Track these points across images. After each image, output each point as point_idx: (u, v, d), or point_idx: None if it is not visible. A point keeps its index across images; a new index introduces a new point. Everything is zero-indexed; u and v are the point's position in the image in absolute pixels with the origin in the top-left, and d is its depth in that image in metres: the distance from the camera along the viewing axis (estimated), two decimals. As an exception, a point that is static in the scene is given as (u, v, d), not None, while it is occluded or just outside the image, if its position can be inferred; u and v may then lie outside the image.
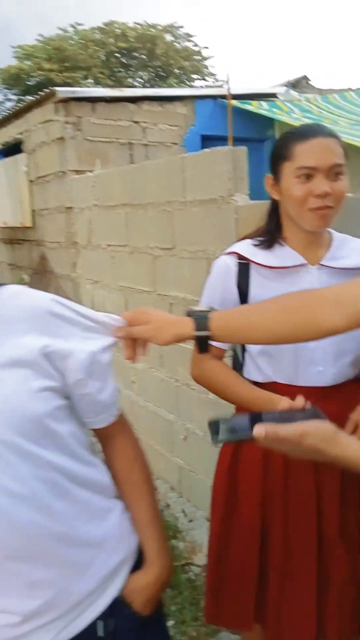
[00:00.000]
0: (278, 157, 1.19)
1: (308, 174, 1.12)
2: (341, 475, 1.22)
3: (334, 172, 1.13)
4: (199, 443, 2.34)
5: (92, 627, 0.84)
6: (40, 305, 0.82)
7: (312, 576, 1.22)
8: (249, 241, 1.27)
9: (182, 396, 2.44)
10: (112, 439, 0.94)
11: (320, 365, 1.20)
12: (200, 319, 0.93)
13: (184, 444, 2.49)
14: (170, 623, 1.79)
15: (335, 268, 1.21)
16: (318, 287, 1.18)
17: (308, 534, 1.22)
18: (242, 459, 1.30)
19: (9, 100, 19.72)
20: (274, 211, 1.27)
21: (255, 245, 1.25)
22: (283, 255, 1.22)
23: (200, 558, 2.10)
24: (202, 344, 0.95)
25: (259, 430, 0.74)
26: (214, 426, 0.82)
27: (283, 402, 0.86)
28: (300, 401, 0.86)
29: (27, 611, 0.79)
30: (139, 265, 2.64)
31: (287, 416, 0.83)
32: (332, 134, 1.16)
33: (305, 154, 1.13)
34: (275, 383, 1.23)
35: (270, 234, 1.26)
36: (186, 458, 2.50)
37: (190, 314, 0.95)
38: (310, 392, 1.15)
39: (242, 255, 1.24)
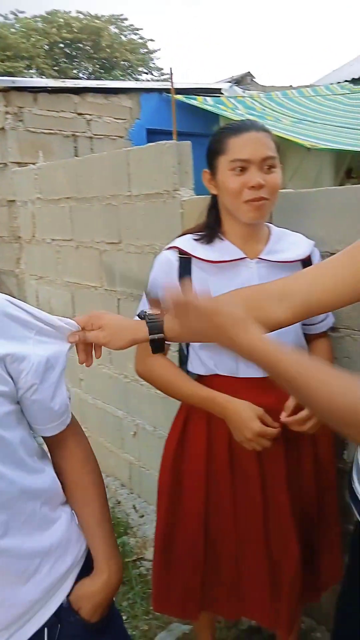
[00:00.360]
0: (213, 152, 1.22)
1: (242, 167, 1.16)
2: (286, 464, 1.25)
3: (267, 165, 1.17)
4: (149, 438, 2.34)
5: (38, 634, 0.82)
6: None
7: (263, 560, 1.26)
8: (189, 236, 1.29)
9: (131, 392, 2.43)
10: (63, 443, 0.92)
11: None
12: (154, 323, 0.95)
13: (134, 440, 2.48)
14: (121, 619, 1.78)
15: (273, 262, 1.24)
16: (257, 280, 1.22)
17: (255, 519, 1.26)
18: (186, 450, 1.32)
19: None
20: (214, 206, 1.30)
21: (195, 240, 1.27)
22: (223, 249, 1.25)
23: (152, 553, 2.10)
24: (157, 346, 0.97)
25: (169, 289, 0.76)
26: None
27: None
28: None
29: None
30: (85, 260, 2.59)
31: None
32: (264, 129, 1.21)
33: (238, 147, 1.16)
34: (217, 375, 1.26)
35: (210, 228, 1.28)
36: (136, 454, 2.49)
37: (143, 317, 0.97)
38: (251, 383, 1.19)
39: (183, 250, 1.25)
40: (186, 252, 1.25)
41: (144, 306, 1.28)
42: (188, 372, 1.31)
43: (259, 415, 1.18)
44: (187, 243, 1.27)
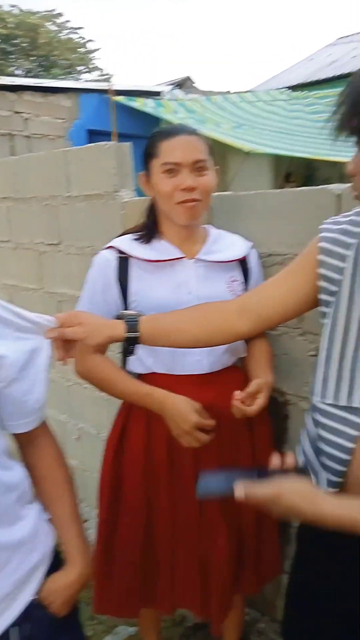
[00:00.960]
0: (147, 155, 1.25)
1: (173, 169, 1.19)
2: (222, 462, 1.29)
3: (198, 167, 1.21)
4: (93, 442, 2.32)
5: (5, 634, 0.82)
6: None
7: (194, 552, 1.30)
8: (128, 236, 1.31)
9: (74, 396, 2.39)
10: (34, 441, 0.94)
11: (197, 355, 1.26)
12: (131, 322, 1.00)
13: (77, 444, 2.44)
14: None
15: (210, 262, 1.28)
16: (194, 279, 1.26)
17: (190, 515, 1.29)
18: (126, 449, 1.33)
19: None
20: (152, 207, 1.31)
21: (134, 239, 1.29)
22: (160, 249, 1.27)
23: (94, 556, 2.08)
24: (130, 347, 1.02)
25: (239, 492, 0.77)
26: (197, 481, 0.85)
27: (274, 460, 0.88)
28: (289, 459, 0.88)
29: None
30: (24, 262, 2.53)
31: (263, 472, 0.85)
32: (195, 132, 1.25)
33: (169, 150, 1.20)
34: (155, 373, 1.29)
35: (149, 229, 1.30)
36: (80, 458, 2.45)
37: (121, 316, 1.02)
38: (189, 380, 1.22)
39: (121, 250, 1.26)
40: (124, 251, 1.26)
41: (82, 307, 1.28)
42: (127, 372, 1.32)
43: (196, 410, 1.20)
44: (126, 243, 1.28)
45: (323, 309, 0.94)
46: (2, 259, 2.71)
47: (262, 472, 0.86)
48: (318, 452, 0.95)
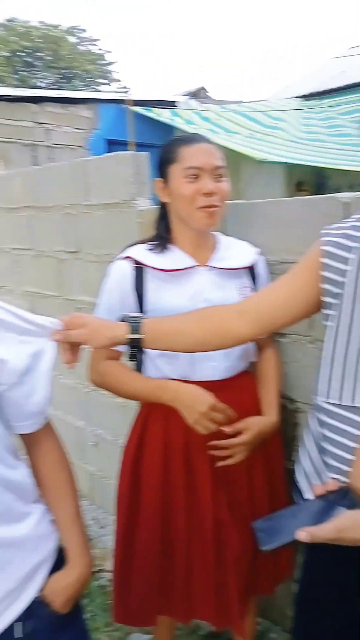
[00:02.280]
0: (166, 161, 1.27)
1: (195, 174, 1.21)
2: (237, 468, 1.28)
3: (217, 173, 1.24)
4: (110, 449, 2.33)
5: (9, 629, 0.84)
6: None
7: (210, 561, 1.29)
8: (142, 246, 1.32)
9: (92, 402, 2.41)
10: (38, 442, 0.95)
11: (213, 361, 1.26)
12: (134, 324, 1.00)
13: (94, 450, 2.46)
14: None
15: (222, 269, 1.28)
16: (208, 287, 1.27)
17: (206, 522, 1.29)
18: (144, 457, 1.33)
19: None
20: (163, 215, 1.33)
21: (148, 249, 1.30)
22: (174, 257, 1.28)
23: (111, 564, 2.08)
24: (133, 350, 1.02)
25: (303, 537, 0.74)
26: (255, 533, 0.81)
27: (316, 489, 0.86)
28: (331, 485, 0.85)
29: None
30: (44, 269, 2.57)
31: (316, 506, 0.82)
32: (210, 142, 1.29)
33: (191, 155, 1.22)
34: (171, 380, 1.28)
35: (161, 237, 1.31)
36: (97, 464, 2.47)
37: (124, 319, 1.02)
38: (204, 386, 1.22)
39: (136, 260, 1.27)
40: (140, 261, 1.27)
41: (99, 313, 1.29)
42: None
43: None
44: (141, 253, 1.29)
45: (326, 311, 0.95)
46: (23, 266, 2.76)
47: (315, 504, 0.82)
48: (322, 451, 0.96)
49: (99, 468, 2.46)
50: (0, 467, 0.83)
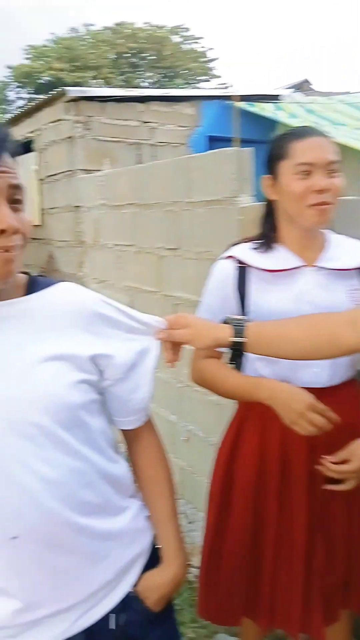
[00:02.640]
0: (275, 157, 1.22)
1: (307, 171, 1.15)
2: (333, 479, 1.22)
3: (330, 169, 1.16)
4: (201, 445, 2.34)
5: (104, 619, 0.86)
6: (88, 306, 0.86)
7: (300, 569, 1.24)
8: (246, 245, 1.28)
9: (184, 397, 2.44)
10: (139, 438, 0.97)
11: (316, 367, 1.20)
12: (238, 326, 0.98)
13: (185, 445, 2.48)
14: (168, 624, 1.79)
15: (331, 269, 1.21)
16: (315, 288, 1.21)
17: (298, 531, 1.24)
18: (238, 458, 1.31)
19: (21, 98, 19.88)
20: (269, 213, 1.28)
21: (252, 248, 1.26)
22: (280, 257, 1.23)
23: (199, 560, 2.09)
24: (236, 354, 1.00)
25: None
26: None
27: None
28: None
29: (41, 597, 0.80)
30: (145, 265, 2.64)
31: None
32: (324, 135, 1.21)
33: (303, 151, 1.16)
34: (267, 378, 1.24)
35: (266, 236, 1.26)
36: (187, 459, 2.49)
37: (228, 321, 1.00)
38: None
39: (240, 259, 1.24)
40: (243, 261, 1.24)
41: (200, 315, 1.28)
42: None
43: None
44: (245, 252, 1.26)
45: None
46: (125, 262, 2.86)
47: None
48: None
49: (189, 463, 2.48)
50: (102, 461, 0.85)
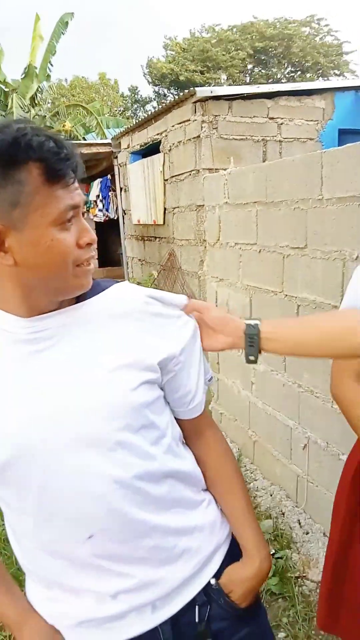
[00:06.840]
0: None
1: None
2: None
3: None
4: (320, 453, 2.23)
5: (187, 611, 0.87)
6: (140, 305, 0.85)
7: None
8: None
9: (304, 403, 2.34)
10: (202, 434, 0.96)
11: None
12: (251, 324, 0.91)
13: (303, 452, 2.39)
14: (281, 635, 1.73)
15: None
16: None
17: None
18: None
19: (159, 95, 20.85)
20: None
21: None
22: None
23: (315, 574, 2.00)
24: (250, 352, 0.92)
25: None
26: None
27: None
28: None
29: (120, 591, 0.82)
30: (267, 264, 2.59)
31: None
32: None
33: None
34: None
35: None
36: (305, 467, 2.39)
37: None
38: None
39: None
40: None
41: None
42: None
43: None
44: None
45: None
46: (247, 260, 2.82)
47: None
48: None
49: (307, 471, 2.38)
50: (170, 458, 0.85)
